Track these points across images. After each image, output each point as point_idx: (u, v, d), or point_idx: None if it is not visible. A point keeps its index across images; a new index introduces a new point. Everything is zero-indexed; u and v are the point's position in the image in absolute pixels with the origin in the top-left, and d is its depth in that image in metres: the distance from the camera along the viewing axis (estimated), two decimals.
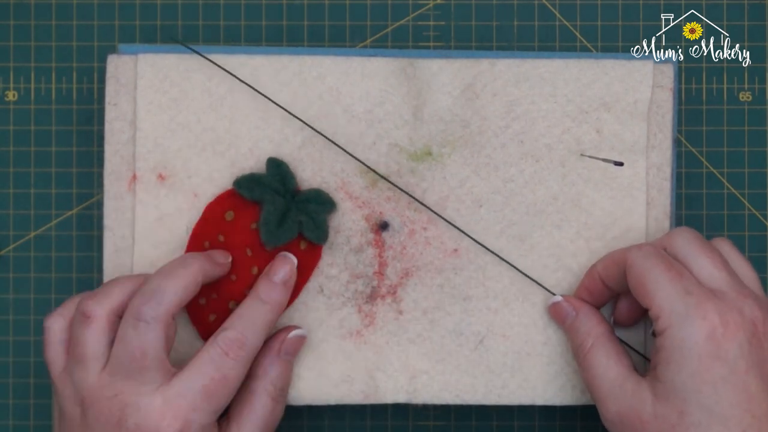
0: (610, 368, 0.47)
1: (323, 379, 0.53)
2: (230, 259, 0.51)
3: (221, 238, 0.51)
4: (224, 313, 0.51)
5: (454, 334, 0.53)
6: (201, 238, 0.52)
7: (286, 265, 0.51)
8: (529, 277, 0.52)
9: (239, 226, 0.51)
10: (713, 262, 0.47)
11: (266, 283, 0.50)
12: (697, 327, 0.45)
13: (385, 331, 0.53)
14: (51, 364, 0.49)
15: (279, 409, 0.50)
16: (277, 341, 0.51)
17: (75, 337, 0.48)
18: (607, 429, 0.47)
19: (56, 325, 0.49)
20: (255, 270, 0.51)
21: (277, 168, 0.52)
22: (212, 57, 0.53)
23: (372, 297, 0.53)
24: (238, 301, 0.51)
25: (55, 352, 0.49)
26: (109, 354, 0.47)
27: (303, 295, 0.53)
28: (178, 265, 0.49)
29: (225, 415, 0.50)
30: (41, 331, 0.49)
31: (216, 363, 0.47)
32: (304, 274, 0.52)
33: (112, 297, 0.48)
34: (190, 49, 0.52)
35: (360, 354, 0.53)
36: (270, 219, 0.51)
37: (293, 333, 0.51)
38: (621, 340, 0.50)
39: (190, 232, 0.52)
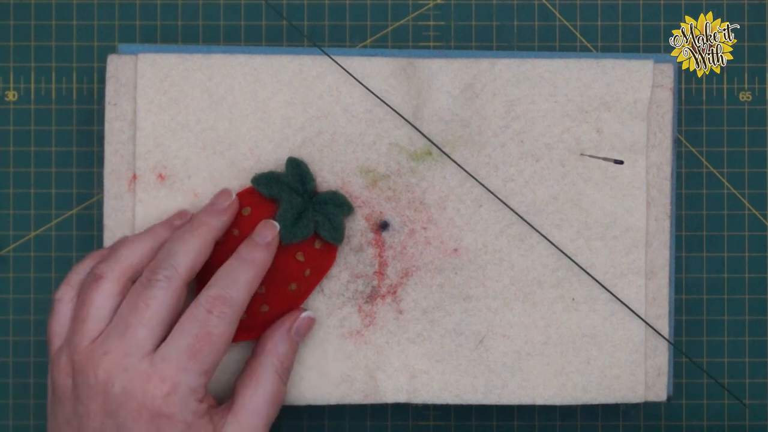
0: None
1: (323, 378, 0.53)
2: (233, 198, 0.51)
3: (236, 232, 0.51)
4: None
5: (454, 333, 0.53)
6: None
7: (269, 229, 0.50)
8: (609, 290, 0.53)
9: (255, 221, 0.51)
10: None
11: (248, 243, 0.49)
12: None
13: (385, 331, 0.53)
14: (53, 337, 0.48)
15: (283, 389, 0.50)
16: (290, 319, 0.51)
17: (81, 299, 0.47)
18: None
19: (67, 296, 0.49)
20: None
21: (297, 168, 0.52)
22: (212, 57, 0.53)
23: (372, 297, 0.53)
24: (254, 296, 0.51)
25: (59, 325, 0.48)
26: (111, 319, 0.47)
27: None
28: (187, 230, 0.49)
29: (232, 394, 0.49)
30: (43, 331, 0.48)
31: (199, 321, 0.46)
32: (318, 274, 0.52)
33: (122, 260, 0.48)
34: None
35: (360, 354, 0.53)
36: (286, 215, 0.51)
37: (305, 314, 0.51)
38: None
39: None
